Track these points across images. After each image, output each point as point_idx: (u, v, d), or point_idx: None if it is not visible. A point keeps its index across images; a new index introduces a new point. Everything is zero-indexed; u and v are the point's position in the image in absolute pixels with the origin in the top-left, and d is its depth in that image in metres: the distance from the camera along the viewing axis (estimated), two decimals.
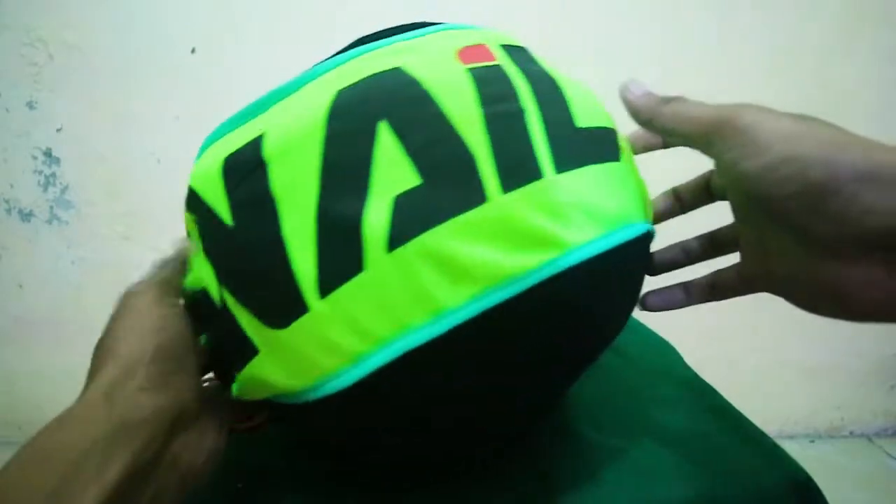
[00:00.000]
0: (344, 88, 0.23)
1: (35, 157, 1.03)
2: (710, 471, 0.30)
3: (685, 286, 0.28)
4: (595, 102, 0.27)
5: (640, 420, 0.35)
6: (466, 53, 0.25)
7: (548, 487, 0.29)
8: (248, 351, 0.23)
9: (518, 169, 0.22)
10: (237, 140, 0.24)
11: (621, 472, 0.30)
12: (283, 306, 0.22)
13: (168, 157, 1.02)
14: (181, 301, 0.25)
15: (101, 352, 0.22)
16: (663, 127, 0.24)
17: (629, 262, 0.25)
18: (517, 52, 0.27)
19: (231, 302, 0.23)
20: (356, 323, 0.21)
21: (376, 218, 0.21)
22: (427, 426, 0.25)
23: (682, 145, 0.24)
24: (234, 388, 0.25)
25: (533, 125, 0.23)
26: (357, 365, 0.21)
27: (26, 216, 1.06)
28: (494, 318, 0.21)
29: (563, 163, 0.23)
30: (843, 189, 0.18)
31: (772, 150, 0.20)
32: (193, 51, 0.97)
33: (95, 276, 1.08)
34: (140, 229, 1.05)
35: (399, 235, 0.21)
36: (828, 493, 0.29)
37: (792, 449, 0.31)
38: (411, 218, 0.21)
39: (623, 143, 0.27)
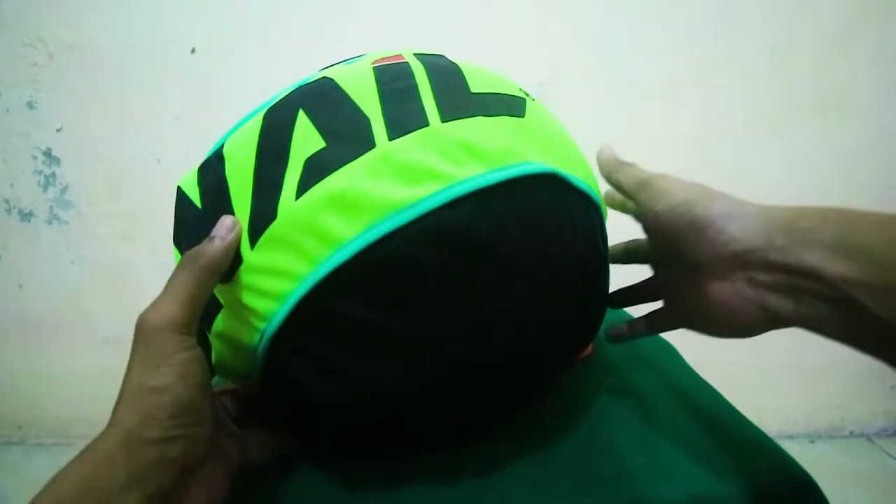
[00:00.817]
0: (283, 97, 0.29)
1: (35, 157, 1.03)
2: (710, 471, 0.30)
3: (629, 323, 0.37)
4: (498, 79, 0.31)
5: (638, 419, 0.35)
6: (380, 60, 0.30)
7: (538, 488, 0.29)
8: (215, 306, 0.27)
9: (405, 121, 0.26)
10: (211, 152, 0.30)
11: (619, 471, 0.30)
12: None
13: (168, 157, 1.02)
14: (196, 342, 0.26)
15: (126, 393, 0.22)
16: (617, 181, 0.32)
17: (526, 198, 0.26)
18: (428, 55, 0.32)
19: None
20: (278, 266, 0.25)
21: (291, 177, 0.25)
22: (365, 374, 0.25)
23: (626, 196, 0.32)
24: (213, 353, 0.28)
25: (424, 93, 0.27)
26: (283, 305, 0.24)
27: (26, 216, 1.06)
28: (391, 246, 0.23)
29: (450, 115, 0.26)
30: (715, 223, 0.26)
31: (673, 196, 0.28)
32: (193, 51, 0.97)
33: (95, 276, 1.08)
34: (140, 229, 1.06)
35: (304, 185, 0.25)
36: (828, 493, 0.29)
37: (792, 449, 0.31)
38: (315, 171, 0.25)
39: (533, 107, 0.30)
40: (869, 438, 1.19)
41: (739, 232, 0.25)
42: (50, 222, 1.06)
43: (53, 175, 1.03)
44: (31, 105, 1.00)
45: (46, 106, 1.00)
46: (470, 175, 0.24)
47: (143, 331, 0.23)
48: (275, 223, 0.25)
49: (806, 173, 1.02)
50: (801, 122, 1.00)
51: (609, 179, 0.32)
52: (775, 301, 0.25)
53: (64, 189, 1.04)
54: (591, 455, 0.32)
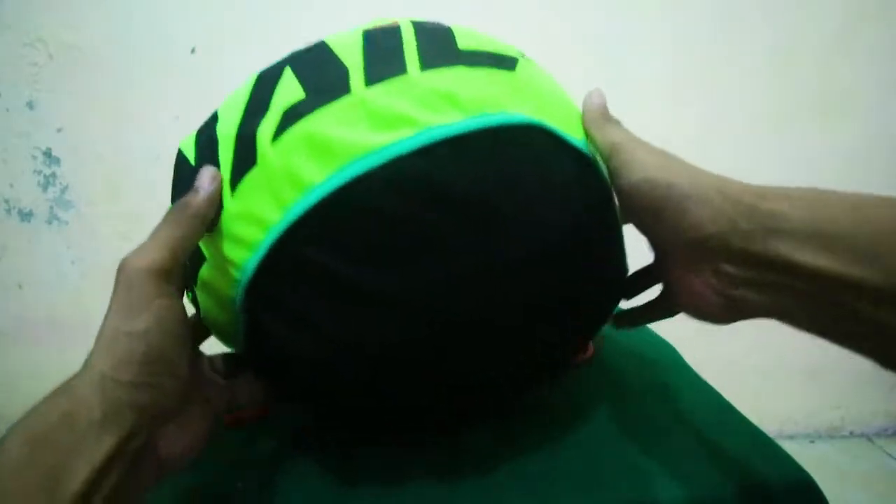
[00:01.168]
0: (279, 61, 0.29)
1: (35, 157, 1.03)
2: (710, 471, 0.30)
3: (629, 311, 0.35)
4: (492, 40, 0.30)
5: (639, 419, 0.35)
6: (373, 26, 0.29)
7: (538, 487, 0.29)
8: (199, 259, 0.27)
9: (383, 69, 0.25)
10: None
11: (619, 471, 0.30)
12: None
13: (168, 156, 1.02)
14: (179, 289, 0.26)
15: (102, 337, 0.22)
16: (592, 138, 0.28)
17: (506, 149, 0.24)
18: (423, 21, 0.30)
19: None
20: (253, 213, 0.25)
21: (268, 125, 0.25)
22: (341, 332, 0.25)
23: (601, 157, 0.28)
24: (200, 309, 0.29)
25: (408, 48, 0.27)
26: (255, 252, 0.24)
27: (26, 216, 1.06)
28: (360, 191, 0.23)
29: (430, 64, 0.26)
30: (675, 205, 0.23)
31: (639, 170, 0.25)
32: (193, 51, 0.97)
33: (95, 276, 1.08)
34: (140, 229, 1.04)
35: (280, 130, 0.25)
36: (828, 493, 0.29)
37: (792, 449, 0.31)
38: (291, 117, 0.25)
39: (527, 64, 0.29)
40: (869, 438, 1.19)
41: (700, 216, 0.23)
42: (50, 222, 1.06)
43: (53, 175, 1.03)
44: (31, 105, 1.00)
45: (46, 106, 1.00)
46: (442, 122, 0.24)
47: (125, 274, 0.23)
48: (253, 169, 0.25)
49: (806, 173, 1.02)
50: (801, 122, 1.00)
51: (586, 133, 0.28)
52: (742, 293, 0.23)
53: (64, 189, 1.04)
54: (590, 455, 0.32)
